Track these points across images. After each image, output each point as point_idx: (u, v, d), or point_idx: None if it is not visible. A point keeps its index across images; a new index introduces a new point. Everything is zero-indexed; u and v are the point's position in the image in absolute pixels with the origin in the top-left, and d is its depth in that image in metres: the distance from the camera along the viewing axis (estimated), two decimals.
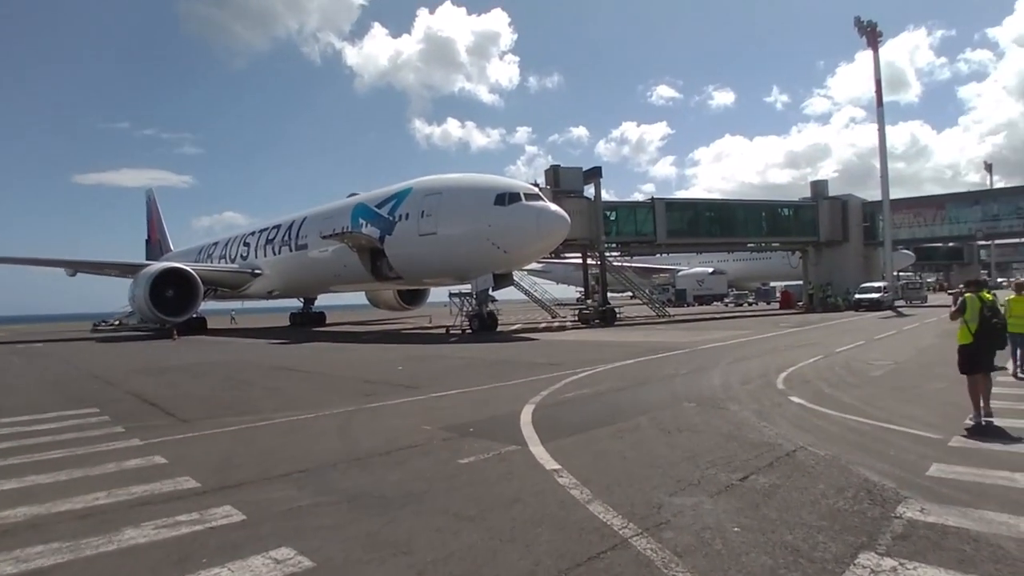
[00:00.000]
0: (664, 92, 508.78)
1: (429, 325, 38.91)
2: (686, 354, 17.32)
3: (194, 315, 42.01)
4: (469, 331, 29.86)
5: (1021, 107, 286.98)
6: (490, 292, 30.13)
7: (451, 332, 30.60)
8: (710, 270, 76.85)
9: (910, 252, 69.70)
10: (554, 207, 28.78)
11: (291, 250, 41.32)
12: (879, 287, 40.80)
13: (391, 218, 32.21)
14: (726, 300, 67.42)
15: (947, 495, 5.16)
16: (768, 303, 61.43)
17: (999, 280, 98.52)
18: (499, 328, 30.78)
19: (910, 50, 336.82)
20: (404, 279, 34.82)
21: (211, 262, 51.57)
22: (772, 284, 71.59)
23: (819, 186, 47.93)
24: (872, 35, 42.06)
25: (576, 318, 37.30)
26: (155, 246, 71.62)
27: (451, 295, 33.42)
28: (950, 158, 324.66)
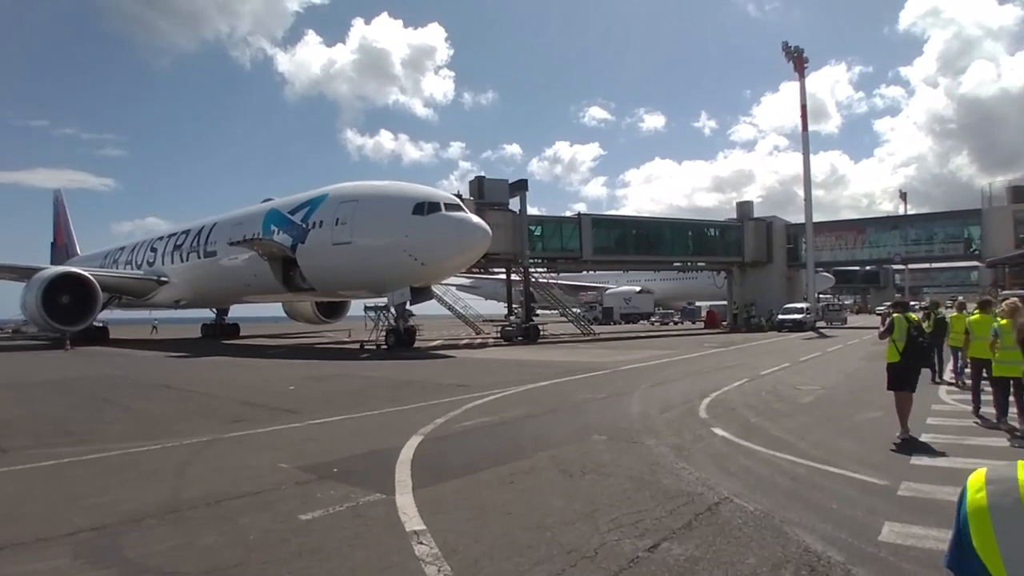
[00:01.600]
0: (596, 113, 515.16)
1: (348, 339, 36.87)
2: (605, 376, 16.17)
3: (94, 324, 39.11)
4: (384, 347, 28.18)
5: (930, 142, 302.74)
6: (408, 306, 28.52)
7: (365, 348, 28.89)
8: (637, 289, 76.82)
9: (830, 275, 71.33)
10: (475, 218, 27.46)
11: (199, 257, 38.61)
12: (802, 308, 40.93)
13: (304, 225, 30.24)
14: (652, 319, 67.33)
15: (909, 573, 3.99)
16: (693, 322, 61.52)
17: (912, 303, 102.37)
18: (418, 344, 29.25)
19: (831, 84, 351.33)
20: (317, 291, 32.78)
21: (117, 268, 48.19)
22: (698, 304, 71.96)
23: (745, 207, 48.12)
24: (799, 60, 42.55)
25: (499, 335, 36.04)
26: (61, 249, 66.96)
27: (366, 309, 31.72)
28: (866, 187, 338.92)
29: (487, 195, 34.64)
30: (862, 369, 16.86)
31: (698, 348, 26.09)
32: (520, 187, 35.91)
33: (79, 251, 64.71)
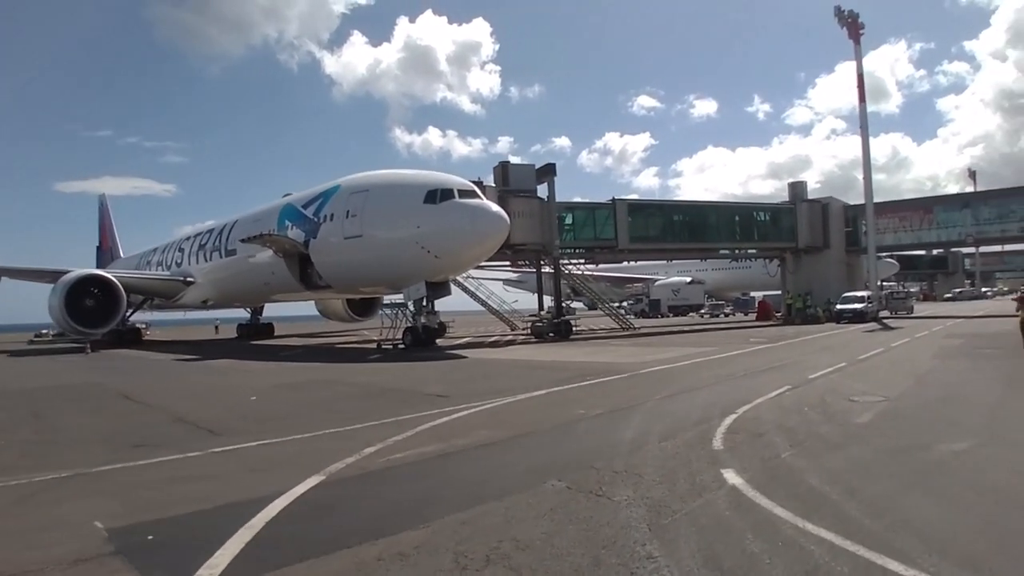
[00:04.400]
0: (645, 102, 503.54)
1: (378, 339, 34.96)
2: (620, 381, 13.64)
3: (130, 325, 38.95)
4: (401, 346, 26.17)
5: (998, 119, 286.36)
6: (424, 303, 26.35)
7: (381, 347, 26.96)
8: (687, 280, 73.56)
9: (894, 261, 66.96)
10: (492, 206, 25.18)
11: (221, 256, 37.38)
12: (862, 296, 37.46)
13: (316, 219, 28.47)
14: (702, 311, 64.03)
15: None
16: (746, 314, 58.03)
17: (984, 290, 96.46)
18: (442, 342, 27.23)
19: (890, 62, 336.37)
20: (334, 288, 30.94)
21: (150, 269, 47.68)
22: (752, 294, 68.33)
23: (798, 188, 44.37)
24: (854, 26, 39.10)
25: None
26: (106, 253, 67.59)
27: (383, 307, 29.85)
28: (930, 170, 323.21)
29: (512, 182, 32.17)
30: (937, 370, 13.88)
31: (742, 344, 23.24)
32: (548, 172, 33.23)
33: (122, 254, 64.94)
